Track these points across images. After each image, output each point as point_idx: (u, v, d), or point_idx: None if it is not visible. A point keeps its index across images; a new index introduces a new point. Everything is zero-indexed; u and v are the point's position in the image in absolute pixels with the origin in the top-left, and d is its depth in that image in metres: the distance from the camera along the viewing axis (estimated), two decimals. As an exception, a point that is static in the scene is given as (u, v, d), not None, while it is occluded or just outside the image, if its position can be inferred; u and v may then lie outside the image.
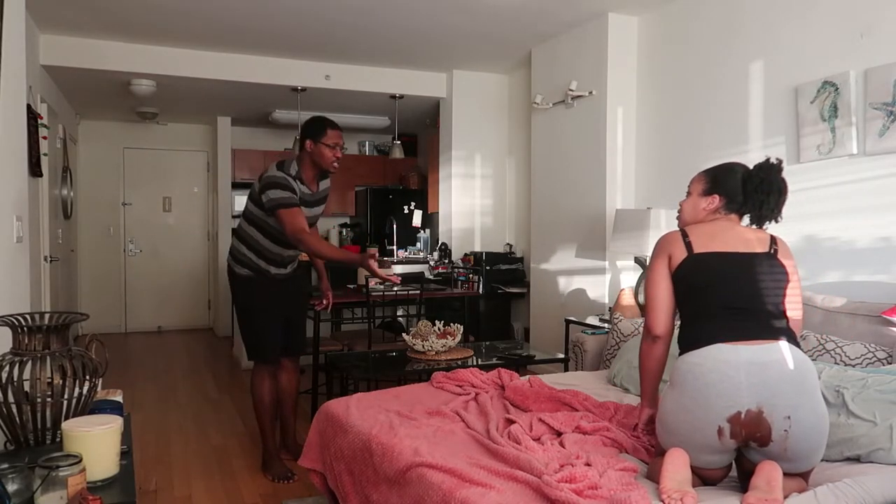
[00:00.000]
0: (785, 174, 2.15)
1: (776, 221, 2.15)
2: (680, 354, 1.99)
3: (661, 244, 2.13)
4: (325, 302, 3.78)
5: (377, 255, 3.14)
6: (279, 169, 3.19)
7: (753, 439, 1.85)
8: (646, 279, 2.10)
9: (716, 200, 2.15)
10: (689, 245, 2.05)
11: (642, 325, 2.19)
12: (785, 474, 1.85)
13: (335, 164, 3.25)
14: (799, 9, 3.47)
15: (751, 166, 2.19)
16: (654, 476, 1.95)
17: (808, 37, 3.42)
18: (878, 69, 3.04)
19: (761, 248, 2.05)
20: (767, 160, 2.15)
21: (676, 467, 1.85)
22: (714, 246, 2.04)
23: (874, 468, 2.02)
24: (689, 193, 2.24)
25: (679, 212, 2.28)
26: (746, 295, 1.99)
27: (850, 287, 3.09)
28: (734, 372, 1.85)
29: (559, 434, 2.32)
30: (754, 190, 2.11)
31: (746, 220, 2.19)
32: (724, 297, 1.98)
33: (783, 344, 1.90)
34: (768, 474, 1.81)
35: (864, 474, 1.93)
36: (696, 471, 1.93)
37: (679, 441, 1.91)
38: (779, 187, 2.11)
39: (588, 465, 1.96)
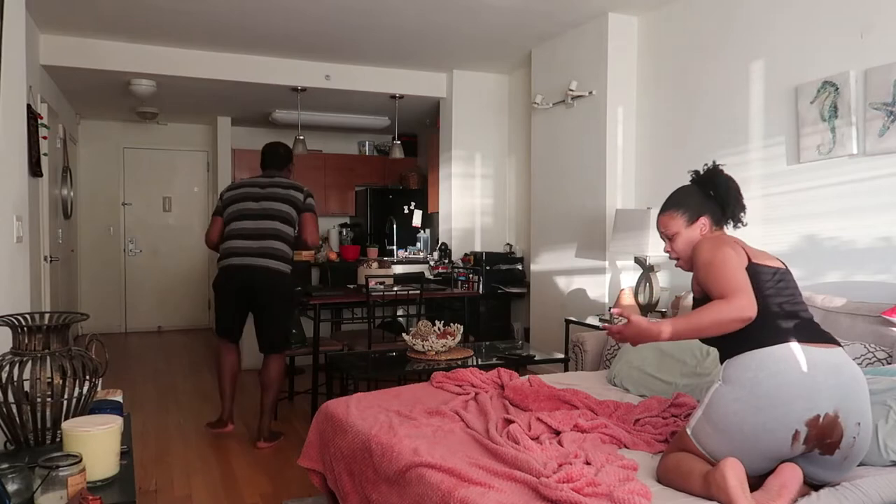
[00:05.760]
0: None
1: (744, 214, 2.14)
2: (741, 351, 1.86)
3: (724, 239, 2.01)
4: None
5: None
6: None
7: (821, 446, 1.76)
8: (716, 263, 1.91)
9: (706, 222, 2.10)
10: (747, 253, 1.96)
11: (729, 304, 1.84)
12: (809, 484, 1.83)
13: None
14: (799, 9, 3.47)
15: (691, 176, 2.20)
16: (678, 480, 1.87)
17: (808, 37, 3.42)
18: (878, 69, 3.04)
19: (779, 263, 2.01)
20: (712, 166, 2.16)
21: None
22: (758, 259, 1.96)
23: (870, 471, 2.00)
24: (670, 237, 2.14)
25: (675, 258, 2.16)
26: (800, 302, 1.95)
27: (850, 287, 3.09)
28: (813, 371, 1.76)
29: (558, 433, 2.32)
30: (727, 195, 2.10)
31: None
32: (786, 302, 1.91)
33: (843, 350, 1.88)
34: (785, 480, 1.73)
35: (860, 477, 1.92)
36: None
37: (737, 446, 1.78)
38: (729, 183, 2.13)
39: (587, 463, 1.96)
